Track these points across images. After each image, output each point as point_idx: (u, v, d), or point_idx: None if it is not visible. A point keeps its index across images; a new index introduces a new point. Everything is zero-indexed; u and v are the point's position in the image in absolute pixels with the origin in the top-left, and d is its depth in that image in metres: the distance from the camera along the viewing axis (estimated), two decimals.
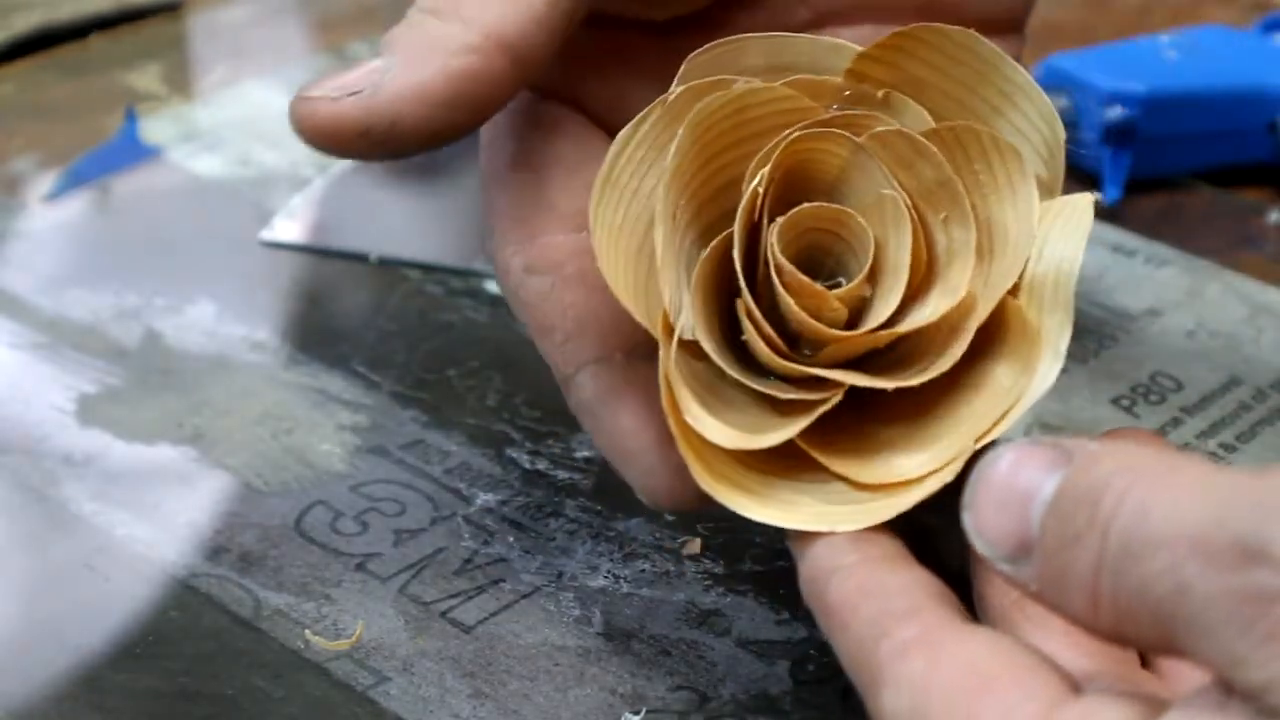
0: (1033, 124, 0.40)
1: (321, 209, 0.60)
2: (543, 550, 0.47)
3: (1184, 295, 0.56)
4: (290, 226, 0.59)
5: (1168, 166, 0.61)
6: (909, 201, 0.39)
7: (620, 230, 0.39)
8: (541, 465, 0.49)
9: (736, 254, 0.39)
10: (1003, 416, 0.38)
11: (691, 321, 0.39)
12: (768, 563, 0.46)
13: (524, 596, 0.45)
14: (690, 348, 0.39)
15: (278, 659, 0.43)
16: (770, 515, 0.38)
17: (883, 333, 0.39)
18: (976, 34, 0.40)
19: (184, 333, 0.55)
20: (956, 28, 0.40)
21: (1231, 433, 0.51)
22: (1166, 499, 0.31)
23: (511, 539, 0.47)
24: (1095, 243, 0.58)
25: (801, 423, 0.38)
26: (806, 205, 0.39)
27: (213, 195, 0.61)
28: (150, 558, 0.46)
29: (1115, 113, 0.60)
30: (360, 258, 0.58)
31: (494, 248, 0.42)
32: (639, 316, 0.39)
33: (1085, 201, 0.39)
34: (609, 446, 0.41)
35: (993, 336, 0.39)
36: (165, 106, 0.66)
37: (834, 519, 0.38)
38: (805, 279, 0.39)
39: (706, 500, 0.38)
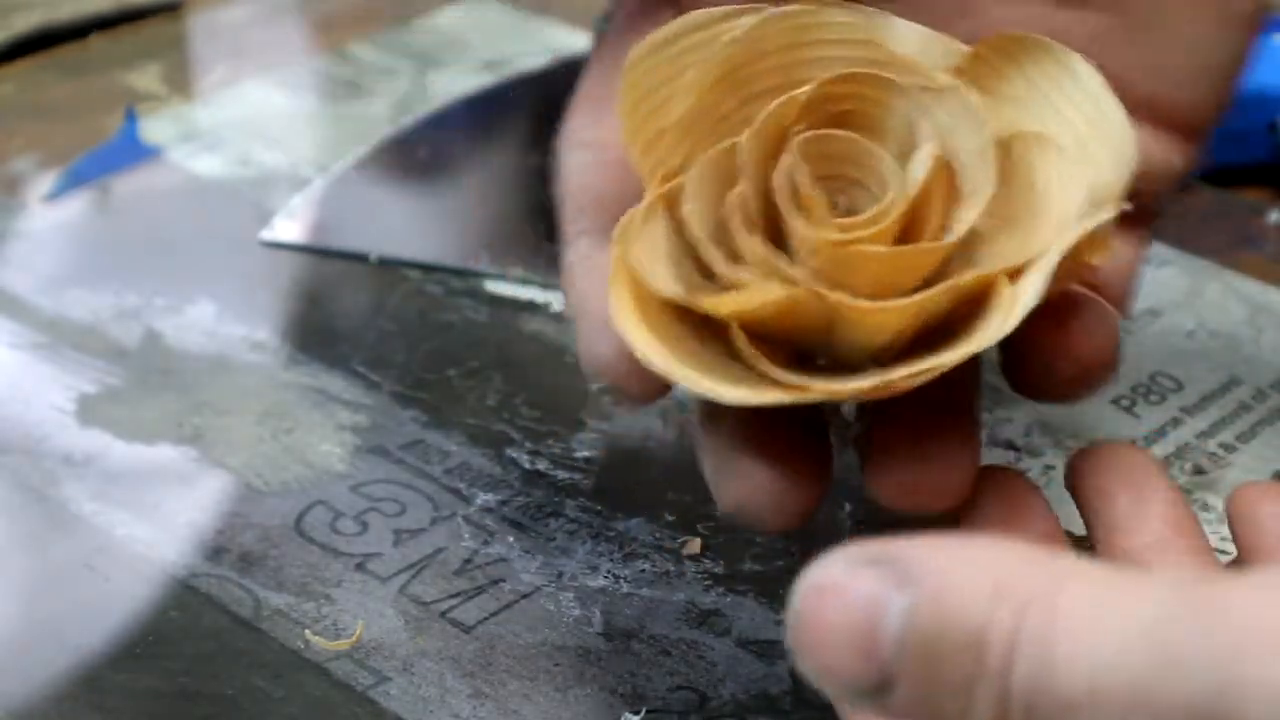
0: (1111, 156, 0.39)
1: (321, 209, 0.60)
2: (543, 550, 0.47)
3: (1184, 295, 0.56)
4: (290, 226, 0.59)
5: None
6: (942, 156, 0.38)
7: (649, 90, 0.39)
8: (541, 465, 0.49)
9: (746, 142, 0.38)
10: (933, 368, 0.37)
11: (686, 187, 0.38)
12: (768, 563, 0.46)
13: (524, 596, 0.45)
14: (684, 245, 0.38)
15: (278, 659, 0.44)
16: (659, 361, 0.37)
17: (867, 248, 0.37)
18: (1079, 56, 0.39)
19: (184, 333, 0.55)
20: (1062, 48, 0.39)
21: (1231, 433, 0.51)
22: (1072, 643, 0.28)
23: (511, 539, 0.47)
24: None
25: (733, 303, 0.37)
26: (838, 131, 0.38)
27: (213, 195, 0.61)
28: (150, 558, 0.46)
29: None
30: (360, 258, 0.58)
31: (562, 134, 0.42)
32: (634, 157, 0.39)
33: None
34: (572, 306, 0.40)
35: (979, 302, 0.38)
36: (165, 106, 0.65)
37: (722, 392, 0.36)
38: (816, 192, 0.38)
39: (640, 378, 0.38)
